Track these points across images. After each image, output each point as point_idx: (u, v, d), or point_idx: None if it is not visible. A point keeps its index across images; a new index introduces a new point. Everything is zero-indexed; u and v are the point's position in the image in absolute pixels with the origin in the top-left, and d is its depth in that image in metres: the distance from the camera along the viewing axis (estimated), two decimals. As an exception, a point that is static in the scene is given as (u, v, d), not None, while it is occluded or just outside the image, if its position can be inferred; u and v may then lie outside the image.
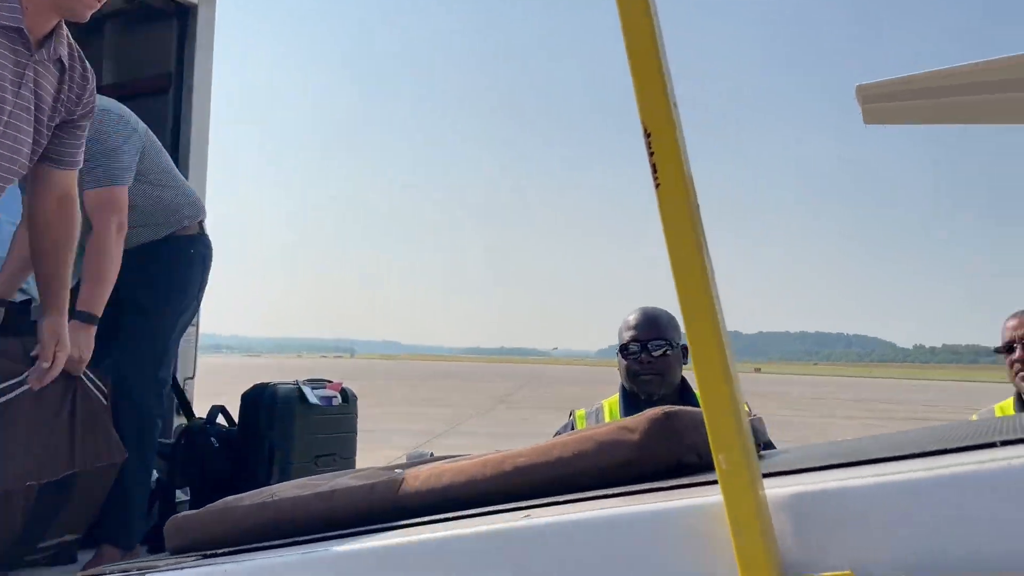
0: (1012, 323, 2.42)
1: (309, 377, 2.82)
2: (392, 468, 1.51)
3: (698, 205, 0.82)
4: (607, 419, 2.36)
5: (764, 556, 0.74)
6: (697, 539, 0.80)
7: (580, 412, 2.43)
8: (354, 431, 2.69)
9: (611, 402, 2.43)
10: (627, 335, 2.38)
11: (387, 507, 1.18)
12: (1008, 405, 2.40)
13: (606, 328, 2.46)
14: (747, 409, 2.48)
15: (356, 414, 2.71)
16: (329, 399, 2.58)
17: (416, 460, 1.64)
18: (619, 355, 2.40)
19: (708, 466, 1.09)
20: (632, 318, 2.39)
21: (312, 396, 2.51)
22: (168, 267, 2.68)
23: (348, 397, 2.67)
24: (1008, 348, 2.39)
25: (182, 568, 1.18)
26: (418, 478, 1.20)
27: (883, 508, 0.73)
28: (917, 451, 0.85)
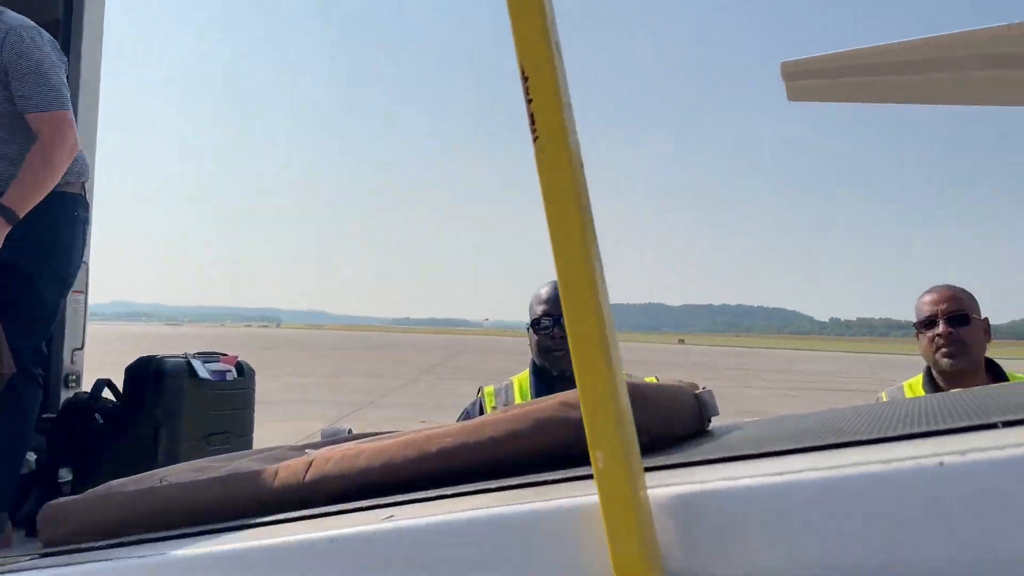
0: (931, 298, 2.37)
1: (223, 348, 2.65)
2: (303, 448, 1.37)
3: (582, 162, 0.71)
4: (516, 395, 2.27)
5: (643, 564, 0.64)
6: (573, 543, 0.70)
7: (488, 389, 2.33)
8: (251, 407, 2.53)
9: (521, 378, 2.34)
10: (539, 309, 2.29)
11: (292, 494, 1.05)
12: (917, 383, 2.38)
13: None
14: (656, 380, 2.42)
15: (253, 389, 2.55)
16: (222, 373, 2.41)
17: (332, 438, 1.50)
18: (530, 330, 2.31)
19: (656, 446, 1.00)
20: (544, 292, 2.30)
21: (203, 370, 2.35)
22: (50, 227, 2.47)
23: (244, 371, 2.50)
24: (929, 323, 2.34)
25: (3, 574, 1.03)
26: (329, 461, 1.07)
27: (783, 511, 0.65)
28: (823, 443, 0.77)
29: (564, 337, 2.21)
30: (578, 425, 0.94)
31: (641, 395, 0.98)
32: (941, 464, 0.60)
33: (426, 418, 12.24)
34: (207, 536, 0.92)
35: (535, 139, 0.70)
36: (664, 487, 0.69)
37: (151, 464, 2.33)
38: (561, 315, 2.22)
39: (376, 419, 13.21)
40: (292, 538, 0.83)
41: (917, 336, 2.39)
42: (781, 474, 0.66)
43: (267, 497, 1.06)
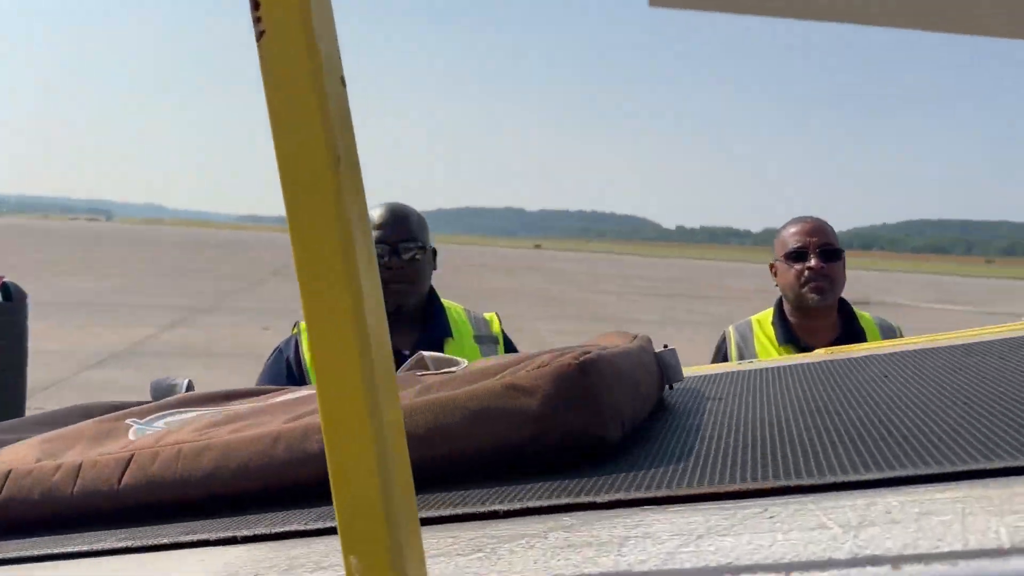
0: (800, 228, 2.23)
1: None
2: (127, 410, 1.02)
3: (342, 75, 0.43)
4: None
5: None
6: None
7: (305, 324, 2.03)
8: (23, 338, 2.13)
9: (345, 311, 2.06)
10: (373, 235, 2.00)
11: (101, 503, 0.75)
12: (766, 318, 2.30)
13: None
14: (496, 316, 2.21)
15: (25, 315, 2.14)
16: (-19, 298, 2.00)
17: (163, 400, 1.13)
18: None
19: (623, 436, 0.77)
20: (376, 215, 2.00)
21: (-47, 296, 1.93)
22: None
23: (11, 294, 2.09)
24: (799, 255, 2.20)
25: None
26: (156, 458, 0.76)
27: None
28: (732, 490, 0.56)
29: (403, 267, 1.95)
30: (535, 418, 0.70)
31: (617, 370, 0.78)
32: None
33: (270, 324, 11.73)
34: None
35: (259, 36, 0.42)
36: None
37: None
38: (398, 242, 1.95)
39: (215, 325, 12.56)
40: None
41: (773, 267, 2.30)
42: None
43: (62, 507, 0.75)
